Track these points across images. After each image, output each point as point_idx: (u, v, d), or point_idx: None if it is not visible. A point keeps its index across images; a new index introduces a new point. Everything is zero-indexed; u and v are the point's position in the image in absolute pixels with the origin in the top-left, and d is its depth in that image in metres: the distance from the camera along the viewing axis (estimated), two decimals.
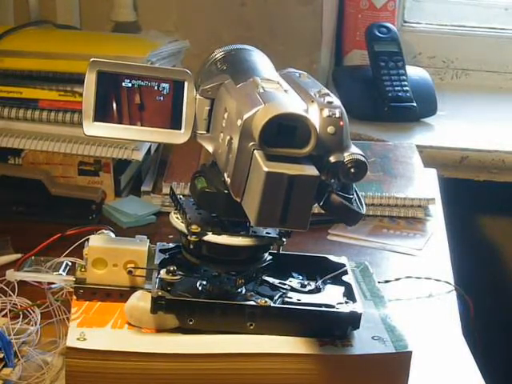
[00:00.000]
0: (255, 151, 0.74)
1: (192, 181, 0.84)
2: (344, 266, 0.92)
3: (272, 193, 0.72)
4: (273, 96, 0.76)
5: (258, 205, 0.72)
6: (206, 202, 0.83)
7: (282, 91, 0.78)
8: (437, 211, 1.30)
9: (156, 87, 0.83)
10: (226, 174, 0.78)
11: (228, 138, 0.78)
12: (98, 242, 0.88)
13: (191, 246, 0.83)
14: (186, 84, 0.84)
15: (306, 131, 0.73)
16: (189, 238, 0.82)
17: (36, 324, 0.91)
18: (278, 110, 0.73)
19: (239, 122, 0.75)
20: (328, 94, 0.79)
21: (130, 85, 0.83)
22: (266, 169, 0.72)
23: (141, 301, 0.82)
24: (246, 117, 0.74)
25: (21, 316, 0.92)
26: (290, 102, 0.76)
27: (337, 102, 0.78)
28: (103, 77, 0.83)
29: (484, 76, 1.91)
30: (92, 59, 0.82)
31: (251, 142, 0.74)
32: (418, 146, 1.48)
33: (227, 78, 0.83)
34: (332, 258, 0.94)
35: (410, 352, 0.82)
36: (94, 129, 0.83)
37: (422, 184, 1.33)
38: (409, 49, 1.85)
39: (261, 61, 0.88)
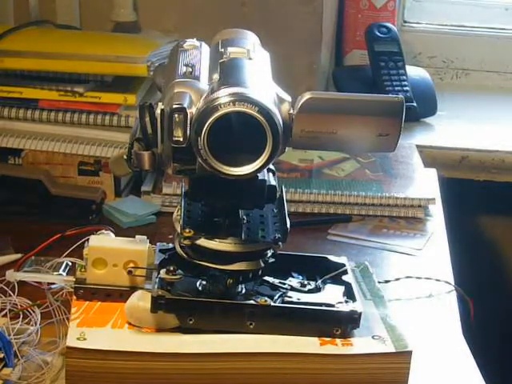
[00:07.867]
0: None
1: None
2: (344, 265, 0.92)
3: None
4: None
5: None
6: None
7: None
8: (437, 211, 1.29)
9: None
10: None
11: None
12: (98, 242, 0.88)
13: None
14: None
15: None
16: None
17: (36, 324, 0.91)
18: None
19: None
20: None
21: None
22: None
23: (141, 300, 0.83)
24: None
25: (21, 316, 0.92)
26: None
27: None
28: None
29: (484, 76, 1.91)
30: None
31: None
32: (418, 146, 1.48)
33: None
34: (332, 258, 0.94)
35: (410, 352, 0.82)
36: None
37: (422, 184, 1.33)
38: (409, 49, 1.85)
39: None
